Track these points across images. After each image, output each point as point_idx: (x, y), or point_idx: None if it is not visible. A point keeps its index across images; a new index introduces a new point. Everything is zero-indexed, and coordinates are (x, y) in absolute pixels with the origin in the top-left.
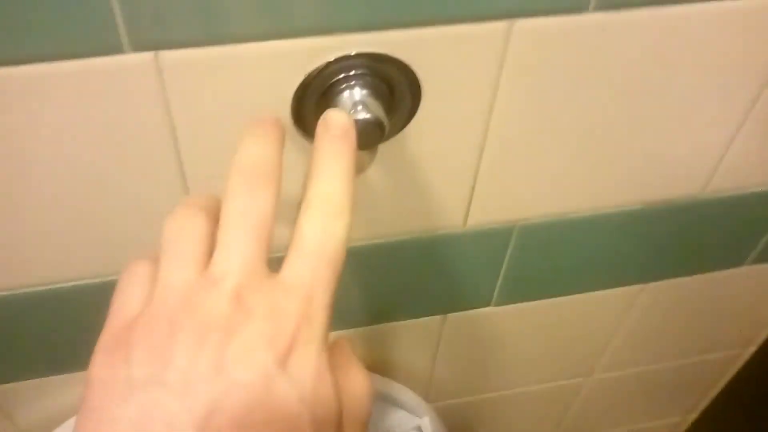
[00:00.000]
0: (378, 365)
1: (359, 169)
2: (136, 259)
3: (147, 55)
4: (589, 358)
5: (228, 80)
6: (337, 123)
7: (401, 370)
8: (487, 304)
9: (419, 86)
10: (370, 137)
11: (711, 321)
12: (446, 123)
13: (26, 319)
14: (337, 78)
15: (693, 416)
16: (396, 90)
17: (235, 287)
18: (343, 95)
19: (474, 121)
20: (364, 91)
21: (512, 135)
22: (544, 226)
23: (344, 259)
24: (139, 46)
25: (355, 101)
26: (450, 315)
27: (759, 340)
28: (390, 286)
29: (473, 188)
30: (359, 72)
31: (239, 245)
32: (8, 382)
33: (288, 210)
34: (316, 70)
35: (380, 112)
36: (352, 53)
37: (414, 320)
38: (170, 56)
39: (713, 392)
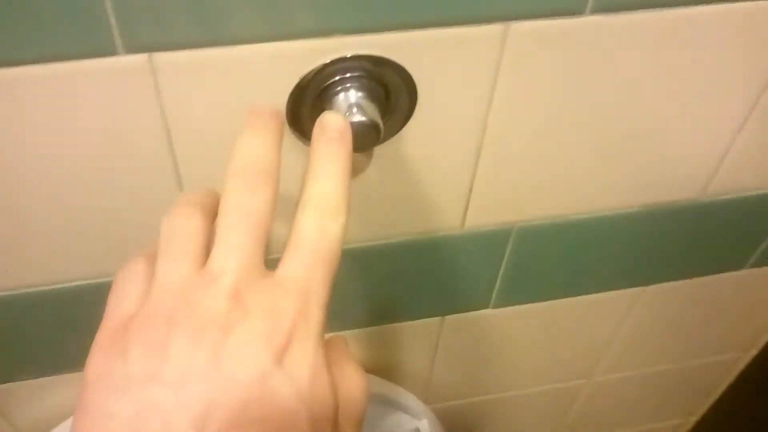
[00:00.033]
0: (376, 367)
1: (357, 171)
2: (132, 257)
3: (141, 57)
4: (589, 360)
5: (223, 82)
6: (333, 125)
7: (400, 372)
8: (486, 306)
9: (415, 88)
10: (365, 139)
11: (712, 324)
12: (443, 125)
13: (23, 319)
14: (333, 80)
15: (694, 419)
16: (392, 92)
17: (232, 285)
18: (339, 97)
19: (471, 123)
20: (360, 94)
21: (509, 137)
22: (543, 228)
23: (340, 258)
24: (133, 48)
25: (351, 104)
26: (448, 317)
27: (760, 343)
28: (388, 288)
29: (470, 190)
30: (355, 74)
31: (237, 243)
32: (6, 382)
33: (285, 209)
34: (311, 72)
35: (375, 115)
36: (348, 55)
37: (412, 322)
38: (164, 58)
39: (714, 395)
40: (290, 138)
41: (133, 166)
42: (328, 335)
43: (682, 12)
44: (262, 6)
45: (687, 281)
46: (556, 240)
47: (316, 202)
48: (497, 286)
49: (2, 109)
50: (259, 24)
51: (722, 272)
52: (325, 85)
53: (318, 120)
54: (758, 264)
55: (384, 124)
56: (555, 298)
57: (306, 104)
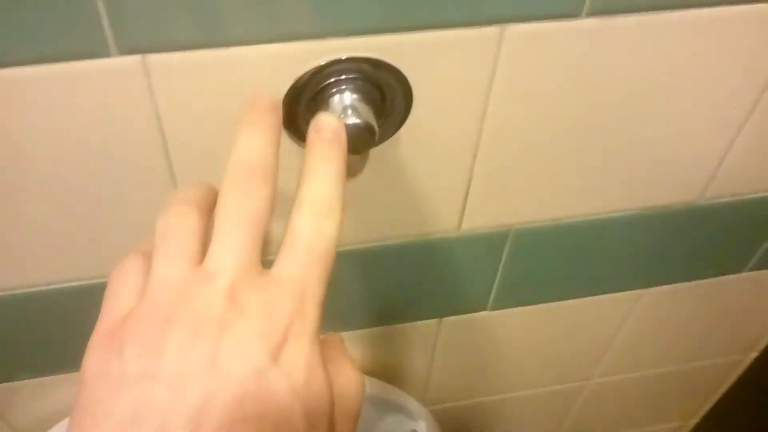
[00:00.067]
0: (374, 368)
1: (353, 173)
2: (128, 255)
3: (134, 58)
4: (588, 362)
5: (217, 84)
6: (328, 126)
7: (397, 373)
8: (484, 308)
9: (411, 91)
10: (360, 141)
11: (711, 327)
12: (439, 127)
13: (20, 319)
14: (328, 82)
15: (694, 421)
16: (388, 94)
17: (229, 284)
18: (334, 99)
19: (467, 125)
20: (355, 96)
21: (506, 139)
22: (540, 230)
23: (335, 257)
24: (126, 49)
25: (345, 106)
26: (446, 319)
27: (760, 346)
28: (385, 290)
29: (467, 192)
30: (350, 76)
31: (234, 242)
32: (3, 382)
33: (281, 210)
34: (306, 74)
35: (370, 117)
36: (343, 57)
37: (410, 324)
38: (158, 59)
39: (714, 397)
40: (285, 140)
41: (128, 166)
42: (324, 335)
43: (678, 15)
44: (257, 8)
45: (686, 284)
46: (553, 242)
47: (311, 202)
48: (495, 288)
49: None
50: (254, 26)
51: (722, 275)
52: (320, 87)
53: (312, 121)
54: (758, 267)
55: (379, 126)
56: (553, 301)
57: (301, 106)
